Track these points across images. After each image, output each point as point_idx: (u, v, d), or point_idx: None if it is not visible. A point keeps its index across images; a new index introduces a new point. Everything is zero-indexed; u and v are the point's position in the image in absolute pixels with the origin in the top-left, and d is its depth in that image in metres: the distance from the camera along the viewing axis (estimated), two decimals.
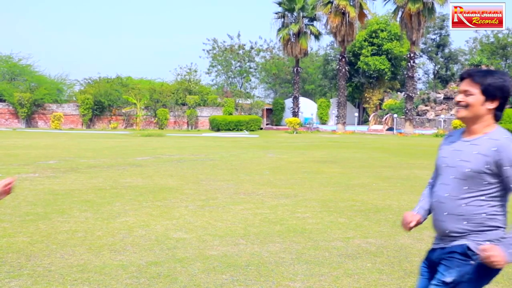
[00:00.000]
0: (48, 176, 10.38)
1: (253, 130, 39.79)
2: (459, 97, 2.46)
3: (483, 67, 45.13)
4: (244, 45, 56.44)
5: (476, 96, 2.40)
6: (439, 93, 46.93)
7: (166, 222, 6.27)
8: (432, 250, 2.57)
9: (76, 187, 8.95)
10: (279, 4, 42.94)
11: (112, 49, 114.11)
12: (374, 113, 48.36)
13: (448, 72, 62.80)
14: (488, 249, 2.24)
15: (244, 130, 39.35)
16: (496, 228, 2.38)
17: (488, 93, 2.39)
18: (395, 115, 41.64)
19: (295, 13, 42.85)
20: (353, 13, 38.58)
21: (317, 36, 43.68)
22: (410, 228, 2.63)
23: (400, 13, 38.40)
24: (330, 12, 39.28)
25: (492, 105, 2.41)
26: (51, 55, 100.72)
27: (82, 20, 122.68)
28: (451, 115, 42.32)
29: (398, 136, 34.89)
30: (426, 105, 45.18)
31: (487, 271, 2.38)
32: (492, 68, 46.76)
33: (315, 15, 42.17)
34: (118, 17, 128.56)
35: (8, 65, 47.35)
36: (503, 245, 2.25)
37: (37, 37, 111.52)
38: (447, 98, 45.03)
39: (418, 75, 61.43)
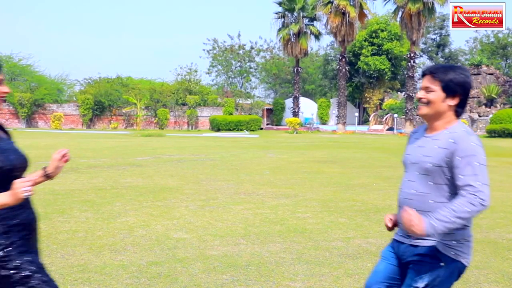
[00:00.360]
0: None
1: (253, 130, 39.79)
2: (420, 94, 2.45)
3: (484, 67, 45.17)
4: (244, 45, 56.47)
5: (437, 93, 2.39)
6: None
7: (167, 222, 6.27)
8: (398, 242, 2.51)
9: (76, 187, 8.95)
10: (279, 4, 42.94)
11: (112, 49, 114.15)
12: (374, 113, 48.35)
13: None
14: (411, 214, 2.21)
15: (244, 130, 39.35)
16: (463, 227, 2.35)
17: (449, 90, 2.37)
18: (396, 115, 41.63)
19: (295, 13, 42.85)
20: (353, 13, 38.58)
21: (317, 36, 43.68)
22: (390, 229, 2.63)
23: (400, 13, 38.41)
24: (330, 12, 39.28)
25: (453, 101, 2.39)
26: (51, 55, 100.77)
27: (82, 20, 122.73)
28: None
29: (398, 136, 34.88)
30: None
31: (456, 270, 2.37)
32: (492, 67, 46.81)
33: (315, 15, 42.18)
34: (119, 17, 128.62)
35: (8, 65, 47.35)
36: (428, 219, 2.21)
37: (37, 37, 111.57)
38: None
39: (418, 75, 61.33)
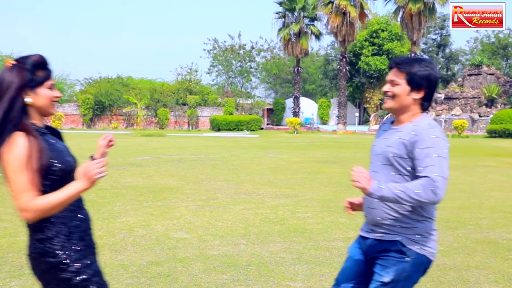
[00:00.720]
0: None
1: (253, 130, 39.79)
2: (386, 87, 2.43)
3: (485, 67, 45.16)
4: (245, 45, 56.46)
5: (402, 86, 2.36)
6: (440, 93, 46.91)
7: (167, 222, 6.27)
8: (364, 238, 2.49)
9: None
10: (280, 4, 42.95)
11: (112, 49, 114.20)
12: (375, 113, 48.33)
13: (449, 72, 62.80)
14: (361, 171, 2.20)
15: (245, 130, 39.35)
16: (425, 220, 2.34)
17: (414, 83, 2.34)
18: None
19: (295, 13, 42.85)
20: (353, 13, 38.57)
21: (318, 36, 43.68)
22: (350, 210, 2.65)
23: (401, 13, 38.41)
24: (331, 12, 39.28)
25: (418, 95, 2.36)
26: (52, 55, 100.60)
27: (82, 20, 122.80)
28: (452, 115, 42.32)
29: None
30: None
31: (421, 265, 2.36)
32: (493, 67, 46.80)
33: (316, 15, 42.18)
34: (119, 17, 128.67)
35: None
36: (377, 183, 2.20)
37: (37, 37, 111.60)
38: (448, 98, 45.01)
39: None
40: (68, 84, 50.10)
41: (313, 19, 43.21)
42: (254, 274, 4.40)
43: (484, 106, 43.16)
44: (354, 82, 50.28)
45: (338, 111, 41.53)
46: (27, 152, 2.00)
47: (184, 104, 44.57)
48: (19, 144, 1.99)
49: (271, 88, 61.08)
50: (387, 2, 39.46)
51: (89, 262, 2.18)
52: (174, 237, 5.55)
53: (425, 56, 61.69)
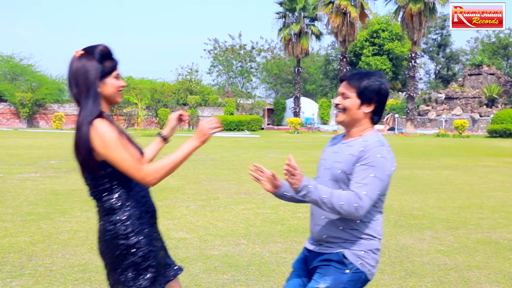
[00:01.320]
0: (50, 176, 10.38)
1: (254, 130, 39.80)
2: (337, 100, 2.41)
3: (485, 67, 45.14)
4: (245, 45, 56.47)
5: (352, 99, 2.34)
6: (441, 93, 46.91)
7: (167, 222, 6.27)
8: (309, 251, 2.46)
9: (77, 187, 8.95)
10: (280, 4, 42.94)
11: (113, 49, 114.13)
12: None
13: (450, 72, 62.80)
14: (295, 168, 2.15)
15: (245, 130, 39.36)
16: (371, 238, 2.32)
17: (364, 97, 2.33)
18: (397, 115, 41.62)
19: (296, 13, 42.85)
20: (354, 13, 38.55)
21: (318, 36, 43.66)
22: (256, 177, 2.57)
23: (401, 13, 38.39)
24: (331, 12, 39.26)
25: (369, 108, 2.35)
26: (52, 55, 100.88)
27: (83, 20, 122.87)
28: (453, 115, 42.31)
29: (399, 136, 34.87)
30: (427, 105, 45.16)
31: (359, 281, 2.31)
32: (493, 67, 46.79)
33: (316, 15, 42.17)
34: (119, 17, 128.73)
35: (9, 65, 47.42)
36: (309, 182, 2.17)
37: (38, 37, 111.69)
38: (449, 98, 45.00)
39: (420, 75, 61.42)
40: None
41: (314, 19, 43.20)
42: (255, 274, 4.39)
43: (484, 106, 43.16)
44: None
45: None
46: (116, 131, 2.09)
47: (184, 104, 44.57)
48: (105, 126, 2.07)
49: (271, 88, 61.09)
50: (388, 2, 39.44)
51: (155, 249, 2.23)
52: (174, 237, 5.55)
53: (426, 56, 61.74)
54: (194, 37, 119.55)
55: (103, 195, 2.16)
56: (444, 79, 62.18)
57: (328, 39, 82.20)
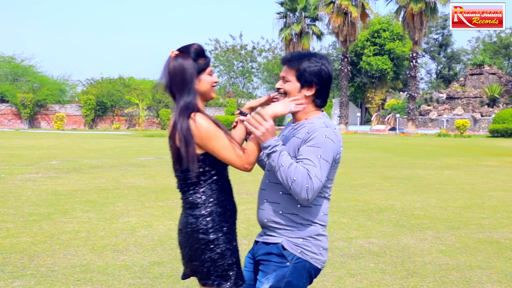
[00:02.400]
0: (51, 177, 10.40)
1: None
2: (278, 84, 2.33)
3: (487, 67, 45.09)
4: (246, 45, 56.52)
5: (292, 83, 2.27)
6: (442, 93, 46.87)
7: (169, 222, 6.27)
8: (256, 242, 2.41)
9: (79, 188, 8.96)
10: (281, 4, 42.96)
11: (114, 50, 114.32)
12: (376, 113, 48.32)
13: (451, 72, 62.74)
14: (267, 122, 2.09)
15: None
16: (311, 223, 2.24)
17: (304, 80, 2.25)
18: (398, 115, 41.59)
19: (297, 13, 42.86)
20: (355, 13, 38.56)
21: (319, 36, 43.67)
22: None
23: (402, 12, 38.39)
24: (332, 12, 39.27)
25: (310, 92, 2.26)
26: (54, 56, 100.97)
27: (84, 21, 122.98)
28: (454, 114, 42.27)
29: (400, 136, 34.85)
30: (428, 105, 45.13)
31: (304, 270, 2.23)
32: (495, 67, 46.73)
33: (317, 15, 42.18)
34: (120, 17, 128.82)
35: (11, 66, 47.50)
36: (277, 144, 2.11)
37: (39, 38, 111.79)
38: (450, 98, 44.96)
39: (421, 74, 61.41)
40: (70, 85, 50.14)
41: (315, 19, 43.21)
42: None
43: (486, 106, 43.11)
44: (356, 82, 50.25)
45: (340, 111, 41.52)
46: (213, 123, 2.19)
47: None
48: (203, 119, 2.18)
49: (272, 88, 61.08)
50: (389, 2, 39.45)
51: (233, 248, 2.26)
52: (176, 238, 5.54)
53: (427, 56, 61.67)
54: (195, 38, 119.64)
55: (190, 188, 2.25)
56: (445, 79, 62.13)
57: (329, 39, 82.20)
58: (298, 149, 2.19)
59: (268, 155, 2.13)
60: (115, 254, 4.90)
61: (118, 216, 6.63)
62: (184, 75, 2.21)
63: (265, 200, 2.30)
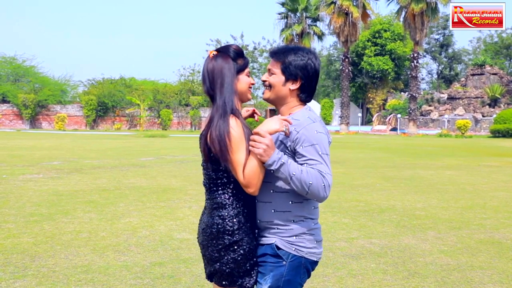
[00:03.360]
0: (52, 177, 10.41)
1: None
2: (264, 77, 2.32)
3: (488, 67, 45.04)
4: (247, 45, 56.47)
5: (277, 76, 2.26)
6: (443, 93, 46.84)
7: (170, 223, 6.27)
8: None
9: (80, 188, 8.97)
10: (282, 4, 42.97)
11: (115, 50, 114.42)
12: (377, 113, 48.30)
13: (452, 72, 62.69)
14: (265, 140, 2.04)
15: None
16: (303, 219, 2.23)
17: (289, 73, 2.24)
18: (399, 115, 41.57)
19: (298, 14, 42.87)
20: (356, 13, 38.56)
21: (320, 37, 43.68)
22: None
23: (403, 13, 38.39)
24: (333, 12, 39.28)
25: (294, 85, 2.25)
26: (55, 56, 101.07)
27: (85, 21, 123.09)
28: (455, 115, 42.22)
29: (401, 136, 34.84)
30: (429, 105, 45.11)
31: (300, 267, 2.23)
32: (496, 67, 46.69)
33: (318, 15, 42.20)
34: (122, 18, 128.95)
35: (12, 66, 47.56)
36: (281, 155, 2.08)
37: (41, 38, 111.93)
38: (451, 98, 44.93)
39: (422, 75, 61.37)
40: (71, 85, 50.19)
41: (316, 19, 43.23)
42: None
43: (487, 106, 43.07)
44: (357, 83, 50.23)
45: (341, 111, 41.51)
46: (242, 132, 2.14)
47: (187, 105, 44.60)
48: (234, 125, 2.13)
49: None
50: (390, 2, 39.45)
51: (254, 247, 2.25)
52: (177, 238, 5.55)
53: (428, 56, 61.63)
54: (196, 38, 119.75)
55: (218, 189, 2.23)
56: (446, 79, 62.08)
57: (330, 40, 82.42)
58: (286, 146, 2.19)
59: (276, 170, 2.09)
60: (116, 254, 4.90)
61: (119, 216, 6.64)
62: (224, 74, 2.19)
63: (256, 201, 2.29)
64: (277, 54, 2.29)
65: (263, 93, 2.38)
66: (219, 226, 2.19)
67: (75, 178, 10.26)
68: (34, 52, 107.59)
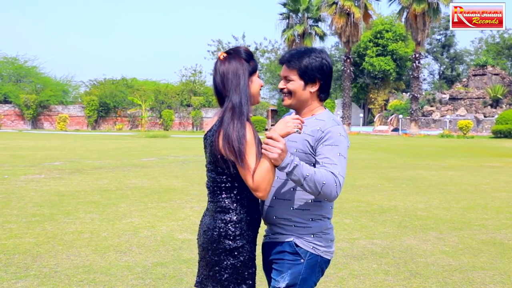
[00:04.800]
0: (54, 177, 10.42)
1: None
2: (281, 84, 2.33)
3: (490, 67, 44.98)
4: (249, 46, 56.47)
5: (296, 82, 2.27)
6: (445, 94, 46.80)
7: (172, 223, 6.28)
8: (264, 245, 2.43)
9: (81, 188, 8.98)
10: (284, 5, 42.97)
11: (117, 51, 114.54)
12: (379, 114, 48.28)
13: (454, 73, 62.62)
14: (278, 143, 2.02)
15: None
16: (321, 219, 2.28)
17: (307, 77, 2.26)
18: (401, 116, 41.54)
19: (299, 14, 42.87)
20: (358, 13, 38.55)
21: (322, 37, 43.67)
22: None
23: (405, 13, 38.37)
24: (335, 13, 39.27)
25: (314, 88, 2.28)
26: (57, 57, 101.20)
27: (87, 22, 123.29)
28: (457, 115, 42.18)
29: (403, 137, 34.81)
30: (431, 106, 45.07)
31: (316, 265, 2.27)
32: (498, 68, 46.63)
33: (320, 16, 42.19)
34: (124, 18, 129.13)
35: (14, 67, 47.62)
36: (294, 157, 2.07)
37: (42, 39, 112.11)
38: (453, 99, 44.88)
39: (423, 75, 61.31)
40: (73, 86, 50.23)
41: (317, 20, 43.22)
42: (258, 275, 4.38)
43: (489, 107, 43.02)
44: (359, 83, 50.21)
45: (343, 111, 41.49)
46: (254, 137, 2.11)
47: (188, 106, 44.61)
48: (249, 131, 2.09)
49: (275, 89, 61.13)
50: (391, 3, 39.43)
51: (254, 257, 2.25)
52: (179, 238, 5.55)
53: (430, 57, 61.57)
54: (198, 38, 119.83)
55: (222, 193, 2.19)
56: (448, 80, 62.01)
57: (331, 40, 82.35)
58: (311, 146, 2.20)
59: (289, 173, 2.08)
60: (118, 254, 4.90)
61: (121, 217, 6.64)
62: (240, 75, 2.15)
63: (274, 197, 2.29)
64: (291, 61, 2.28)
65: (282, 100, 2.38)
66: (221, 230, 2.16)
67: (76, 179, 10.27)
68: (36, 52, 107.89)
